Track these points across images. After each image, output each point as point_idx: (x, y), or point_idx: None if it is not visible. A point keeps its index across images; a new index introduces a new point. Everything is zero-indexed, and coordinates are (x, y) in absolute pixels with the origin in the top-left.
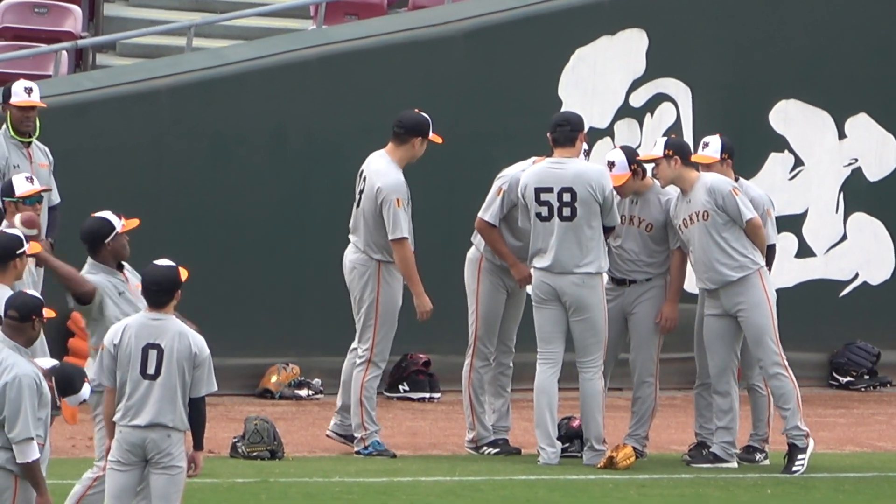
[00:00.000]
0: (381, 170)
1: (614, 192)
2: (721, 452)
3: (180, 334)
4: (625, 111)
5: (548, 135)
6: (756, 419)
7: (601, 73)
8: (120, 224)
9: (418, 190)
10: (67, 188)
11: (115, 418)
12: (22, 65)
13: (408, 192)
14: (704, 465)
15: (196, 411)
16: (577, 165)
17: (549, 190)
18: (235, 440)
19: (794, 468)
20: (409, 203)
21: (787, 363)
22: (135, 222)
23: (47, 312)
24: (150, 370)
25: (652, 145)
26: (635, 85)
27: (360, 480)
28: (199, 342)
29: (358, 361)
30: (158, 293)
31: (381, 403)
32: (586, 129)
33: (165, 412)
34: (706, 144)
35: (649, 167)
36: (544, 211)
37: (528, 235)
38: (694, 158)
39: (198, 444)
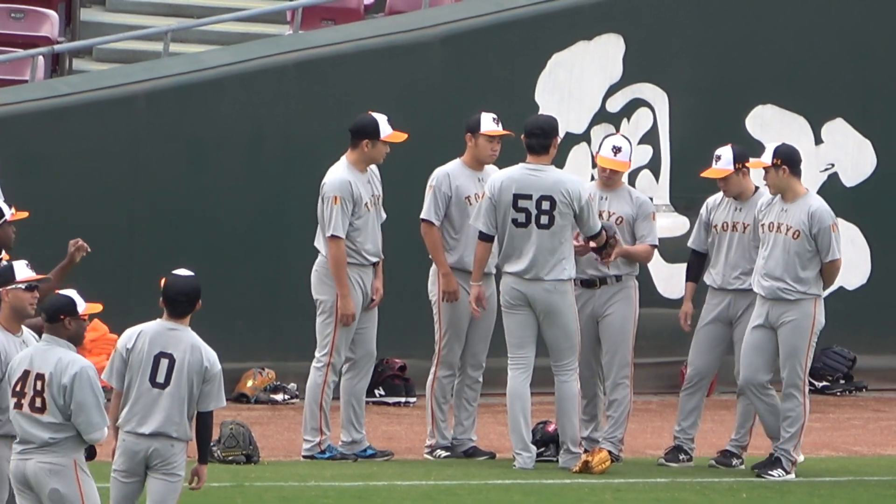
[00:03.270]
0: (331, 170)
1: (591, 201)
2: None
3: (193, 347)
4: (601, 116)
5: (522, 137)
6: (739, 425)
7: (578, 79)
8: (9, 213)
9: (393, 194)
10: (44, 193)
11: (120, 423)
12: None
13: (357, 194)
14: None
15: (203, 425)
16: (556, 174)
17: (528, 197)
18: (211, 444)
19: (770, 473)
20: (373, 203)
21: (807, 391)
22: (24, 214)
23: (90, 308)
24: (160, 379)
25: (763, 152)
26: (612, 90)
27: (335, 485)
28: (211, 357)
29: (317, 365)
30: (186, 304)
31: None
32: (562, 134)
33: (171, 422)
34: (718, 158)
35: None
36: (521, 217)
37: (464, 234)
38: (706, 174)
39: (203, 458)
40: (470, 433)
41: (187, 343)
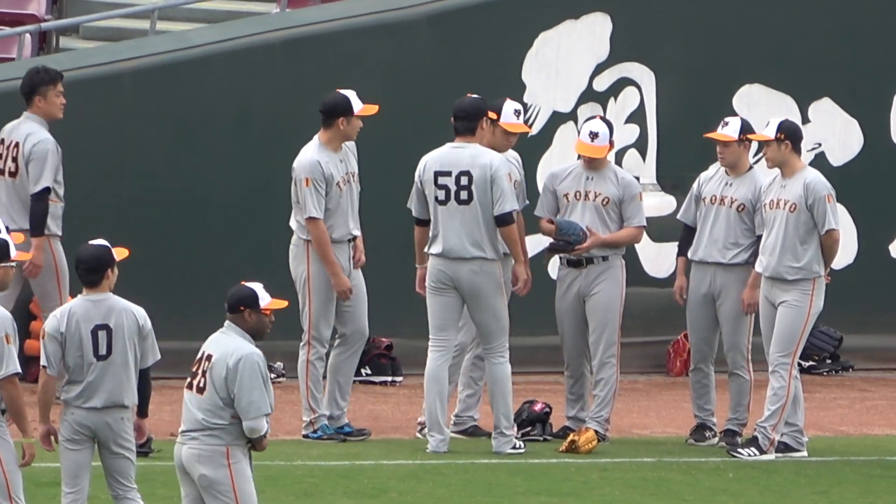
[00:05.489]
0: (301, 152)
1: (513, 177)
2: (791, 442)
3: (125, 311)
4: (588, 95)
5: (452, 120)
6: (736, 403)
7: (565, 57)
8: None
9: (381, 173)
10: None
11: (67, 398)
12: None
13: (329, 173)
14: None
15: (144, 381)
16: (475, 149)
17: (448, 174)
18: None
19: (740, 451)
20: (346, 180)
21: (796, 371)
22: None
23: (274, 303)
24: (102, 351)
25: (765, 125)
26: (599, 69)
27: (321, 464)
28: (141, 314)
29: (301, 343)
30: (86, 272)
31: None
32: (549, 113)
33: (121, 391)
34: (726, 123)
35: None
36: (441, 194)
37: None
38: (711, 135)
39: (143, 412)
40: (472, 411)
41: (118, 309)
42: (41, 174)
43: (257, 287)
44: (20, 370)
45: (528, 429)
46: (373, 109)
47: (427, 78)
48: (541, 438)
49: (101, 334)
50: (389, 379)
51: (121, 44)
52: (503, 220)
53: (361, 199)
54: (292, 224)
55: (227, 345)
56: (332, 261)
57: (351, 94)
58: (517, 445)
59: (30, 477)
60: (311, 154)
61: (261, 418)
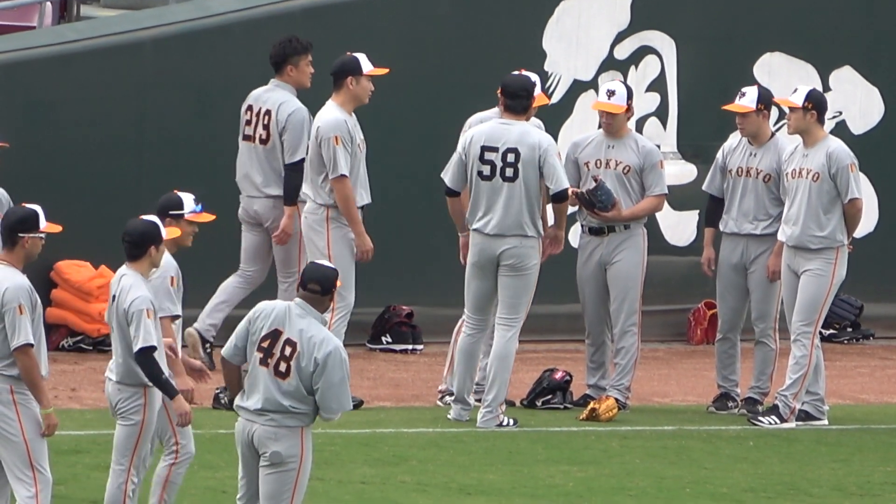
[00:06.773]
0: (322, 113)
1: (560, 157)
2: (812, 410)
3: (125, 290)
4: (609, 63)
5: (498, 93)
6: (759, 372)
7: (585, 26)
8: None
9: (402, 142)
10: (51, 140)
11: None
12: (6, 16)
13: (352, 134)
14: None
15: (140, 366)
16: (523, 127)
17: (495, 150)
18: (218, 391)
19: (760, 419)
20: (361, 147)
21: (817, 340)
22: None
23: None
24: (113, 322)
25: (792, 91)
26: (620, 37)
27: (342, 432)
28: (131, 296)
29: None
30: (129, 245)
31: (364, 355)
32: (570, 82)
33: (117, 366)
34: (742, 94)
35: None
36: (486, 170)
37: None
38: (728, 107)
39: (167, 394)
40: None
41: (123, 287)
42: (298, 145)
43: (333, 266)
44: (32, 341)
45: (549, 397)
46: (382, 71)
47: (447, 46)
48: (561, 406)
49: (113, 306)
50: (410, 347)
51: (141, 12)
52: (560, 198)
53: (383, 167)
54: (307, 190)
55: (311, 334)
56: (357, 220)
57: (361, 56)
58: (504, 422)
59: (51, 445)
60: (336, 113)
61: (338, 414)
